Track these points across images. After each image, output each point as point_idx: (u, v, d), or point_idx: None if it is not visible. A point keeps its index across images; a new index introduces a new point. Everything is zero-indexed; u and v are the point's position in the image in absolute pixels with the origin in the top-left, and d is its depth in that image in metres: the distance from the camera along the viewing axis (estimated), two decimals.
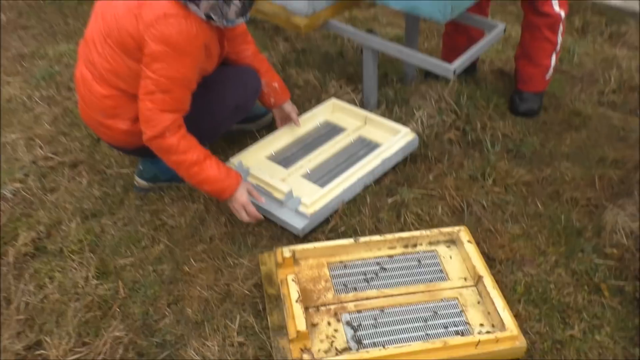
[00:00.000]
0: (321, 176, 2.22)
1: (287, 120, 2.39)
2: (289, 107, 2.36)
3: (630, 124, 2.66)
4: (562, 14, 2.47)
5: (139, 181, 2.23)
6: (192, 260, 1.96)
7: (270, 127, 2.48)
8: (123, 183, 2.30)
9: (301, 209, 2.01)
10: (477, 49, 2.40)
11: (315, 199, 2.02)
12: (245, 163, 2.21)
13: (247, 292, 1.85)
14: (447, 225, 2.09)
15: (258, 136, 2.45)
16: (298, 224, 1.99)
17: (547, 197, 2.22)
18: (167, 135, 1.86)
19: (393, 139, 2.27)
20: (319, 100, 2.64)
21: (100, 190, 2.27)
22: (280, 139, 2.38)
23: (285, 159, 2.32)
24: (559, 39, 2.55)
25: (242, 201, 1.97)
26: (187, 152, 1.89)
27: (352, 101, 2.62)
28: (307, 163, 2.27)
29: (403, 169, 2.32)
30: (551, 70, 2.64)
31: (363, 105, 2.63)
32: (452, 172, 2.31)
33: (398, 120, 2.50)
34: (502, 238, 2.04)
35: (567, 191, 2.23)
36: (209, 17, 1.80)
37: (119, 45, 1.84)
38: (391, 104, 2.65)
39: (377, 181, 2.24)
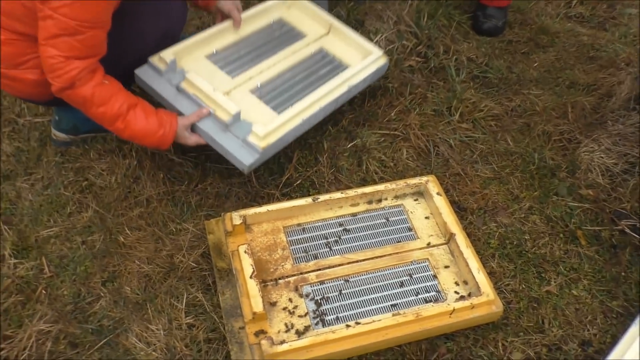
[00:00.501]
0: (275, 96, 1.84)
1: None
2: (228, 4, 1.91)
3: (599, 40, 2.46)
4: None
5: (57, 134, 1.90)
6: (127, 228, 1.71)
7: None
8: (39, 135, 1.97)
9: (251, 139, 1.65)
10: None
11: (270, 130, 1.67)
12: (179, 62, 1.81)
13: (193, 264, 1.63)
14: (413, 170, 1.89)
15: None
16: (246, 158, 1.64)
17: (518, 132, 2.04)
18: (78, 84, 1.53)
19: (363, 62, 1.92)
20: None
21: (12, 145, 1.94)
22: (224, 36, 1.93)
23: (230, 63, 1.90)
24: None
25: (188, 143, 1.70)
26: (105, 103, 1.57)
27: None
28: (258, 74, 1.87)
29: (362, 105, 2.07)
30: None
31: None
32: (415, 107, 2.08)
33: None
34: (473, 183, 1.86)
35: (538, 124, 2.06)
36: None
37: None
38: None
39: (335, 122, 1.99)
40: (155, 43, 1.79)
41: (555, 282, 1.64)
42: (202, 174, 1.84)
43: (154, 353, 1.48)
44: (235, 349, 1.43)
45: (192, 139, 1.70)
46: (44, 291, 1.60)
